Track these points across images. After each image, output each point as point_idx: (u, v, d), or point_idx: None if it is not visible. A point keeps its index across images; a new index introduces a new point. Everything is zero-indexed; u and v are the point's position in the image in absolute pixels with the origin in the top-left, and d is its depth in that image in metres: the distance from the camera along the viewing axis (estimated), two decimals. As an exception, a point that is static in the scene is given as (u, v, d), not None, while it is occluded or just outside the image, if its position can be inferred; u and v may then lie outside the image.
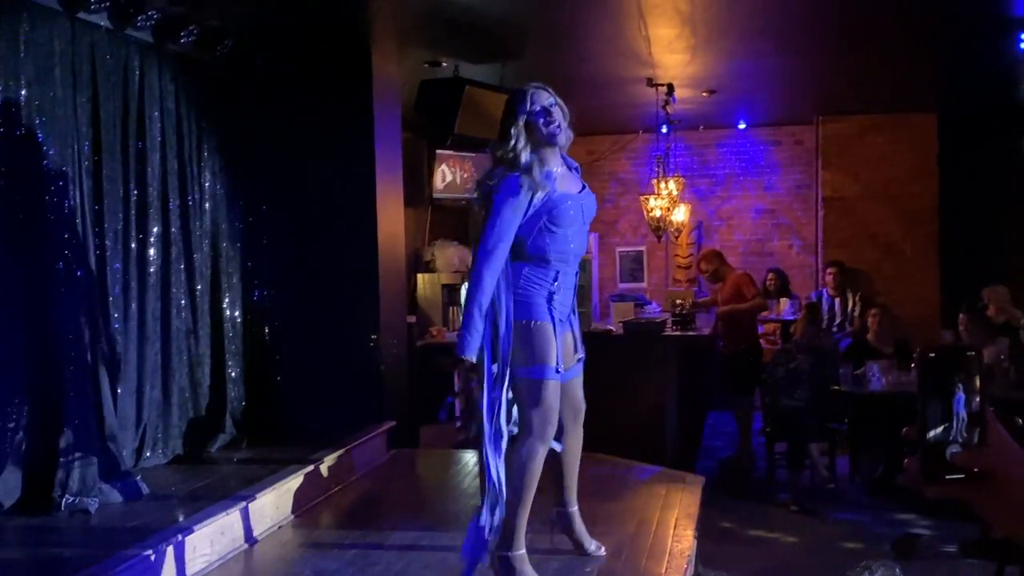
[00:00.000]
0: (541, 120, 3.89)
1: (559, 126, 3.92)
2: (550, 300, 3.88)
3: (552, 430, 3.92)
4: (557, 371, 3.87)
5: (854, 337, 9.53)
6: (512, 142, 3.87)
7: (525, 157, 3.85)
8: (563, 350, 3.94)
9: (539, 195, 3.83)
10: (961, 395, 1.02)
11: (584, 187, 4.10)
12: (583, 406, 4.19)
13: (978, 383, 1.02)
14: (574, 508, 4.29)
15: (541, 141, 3.90)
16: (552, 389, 3.87)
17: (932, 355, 1.04)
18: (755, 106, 11.00)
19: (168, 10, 5.23)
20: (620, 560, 4.25)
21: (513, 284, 3.85)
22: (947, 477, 1.01)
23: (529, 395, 3.86)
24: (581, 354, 4.15)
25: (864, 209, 11.07)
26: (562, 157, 4.03)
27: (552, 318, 3.88)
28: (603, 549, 4.31)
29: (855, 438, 7.51)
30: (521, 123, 3.88)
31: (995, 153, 10.30)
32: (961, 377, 1.02)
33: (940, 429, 1.02)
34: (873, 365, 7.34)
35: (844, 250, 10.97)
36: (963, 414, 1.02)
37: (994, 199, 10.33)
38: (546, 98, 3.95)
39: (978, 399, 1.02)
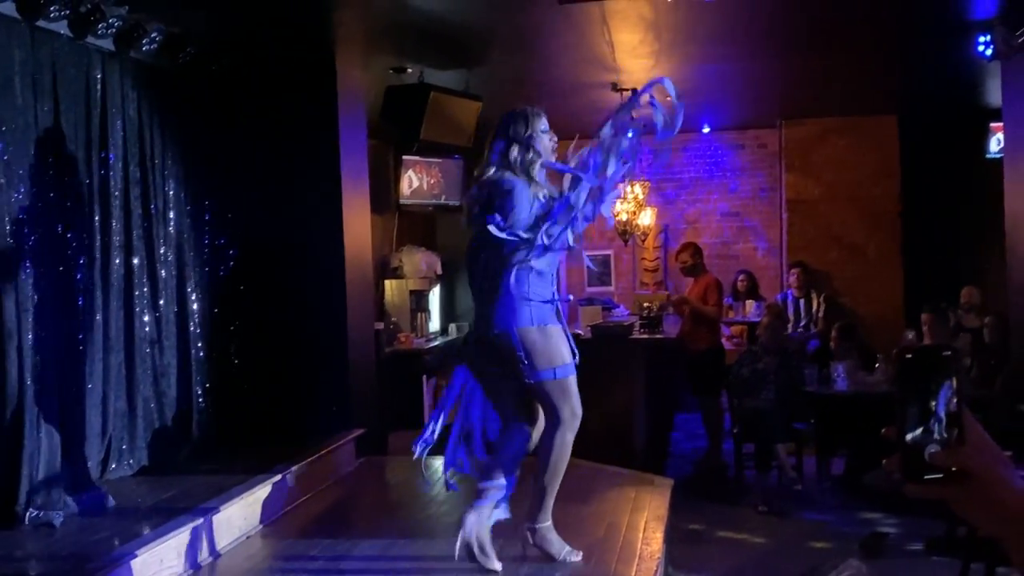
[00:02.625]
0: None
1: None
2: (554, 303, 4.14)
3: (579, 418, 4.16)
4: (574, 364, 4.14)
5: (820, 338, 9.62)
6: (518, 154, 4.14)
7: (536, 168, 4.14)
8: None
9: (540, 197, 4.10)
10: (939, 395, 1.03)
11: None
12: (579, 408, 4.28)
13: (955, 383, 1.03)
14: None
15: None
16: (573, 382, 4.14)
17: (910, 356, 1.05)
18: (719, 110, 11.07)
19: (129, 18, 5.19)
20: (590, 563, 4.26)
21: (519, 292, 4.02)
22: (926, 477, 1.02)
23: (558, 393, 4.10)
24: (575, 355, 4.31)
25: (827, 211, 11.17)
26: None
27: (557, 320, 4.15)
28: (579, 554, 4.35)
29: (821, 438, 7.56)
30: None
31: (956, 155, 10.43)
32: (939, 377, 1.03)
33: (919, 429, 1.03)
34: (838, 366, 7.41)
35: (808, 252, 11.07)
36: (941, 414, 1.03)
37: (956, 200, 10.46)
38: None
39: (956, 399, 1.03)
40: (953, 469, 1.01)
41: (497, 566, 4.11)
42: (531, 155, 4.13)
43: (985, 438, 1.04)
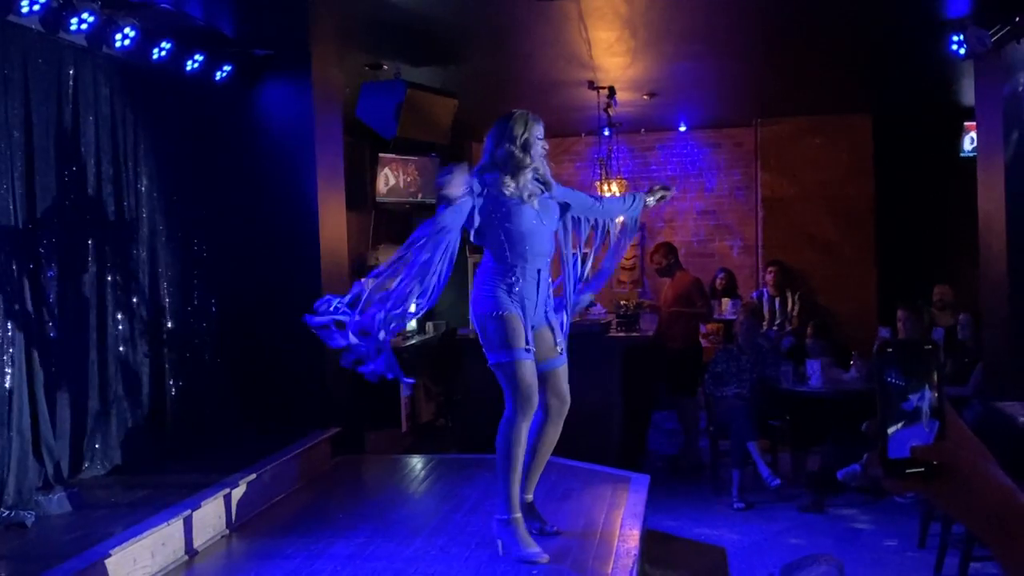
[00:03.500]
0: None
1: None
2: (510, 292, 4.21)
3: (532, 407, 4.22)
4: (527, 351, 4.19)
5: (795, 336, 9.66)
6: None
7: (526, 171, 4.30)
8: (539, 343, 4.30)
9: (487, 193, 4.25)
10: (920, 389, 1.02)
11: (545, 193, 4.41)
12: (568, 400, 4.45)
13: (936, 377, 1.03)
14: (529, 496, 4.49)
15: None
16: (526, 369, 4.19)
17: (890, 349, 1.04)
18: (695, 109, 11.11)
19: (102, 14, 5.14)
20: (566, 561, 4.25)
21: (480, 282, 4.29)
22: (907, 471, 1.02)
23: (507, 378, 4.20)
24: (561, 347, 4.44)
25: (802, 210, 11.23)
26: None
27: (519, 310, 4.21)
28: (556, 527, 4.56)
29: (796, 435, 7.60)
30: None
31: (930, 154, 10.51)
32: (920, 371, 1.03)
33: (899, 423, 1.02)
34: (813, 363, 7.44)
35: (783, 250, 11.12)
36: (923, 408, 1.02)
37: (929, 199, 10.54)
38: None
39: (937, 393, 1.02)
40: (935, 463, 1.01)
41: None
42: (523, 157, 4.24)
43: (966, 432, 1.03)
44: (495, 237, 4.26)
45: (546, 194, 4.40)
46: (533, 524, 4.47)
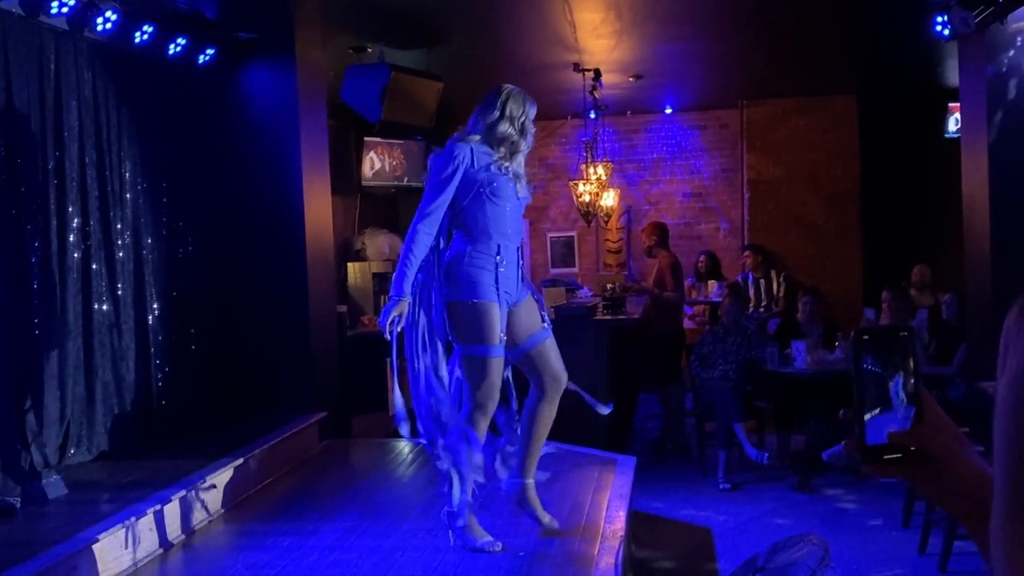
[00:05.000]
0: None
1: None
2: (496, 276, 4.04)
3: (493, 406, 4.10)
4: (500, 346, 4.05)
5: (781, 317, 9.69)
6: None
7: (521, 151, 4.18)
8: (524, 317, 4.18)
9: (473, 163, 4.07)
10: (896, 375, 1.04)
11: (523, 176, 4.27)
12: (562, 377, 4.28)
13: (912, 363, 1.04)
14: (530, 480, 4.35)
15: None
16: (495, 366, 4.05)
17: (866, 336, 1.05)
18: (681, 91, 11.10)
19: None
20: (553, 543, 4.27)
21: (458, 264, 4.05)
22: (885, 456, 1.03)
23: (473, 372, 4.04)
24: (547, 320, 4.29)
25: (787, 191, 11.25)
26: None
27: (499, 298, 4.05)
28: (556, 522, 4.38)
29: (781, 416, 7.64)
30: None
31: (915, 135, 10.54)
32: (896, 357, 1.04)
33: (876, 409, 1.04)
34: (799, 344, 7.47)
35: (769, 232, 11.15)
36: (900, 394, 1.03)
37: (914, 180, 10.57)
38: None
39: (913, 379, 1.04)
40: (911, 449, 1.02)
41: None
42: (519, 137, 4.15)
43: (942, 417, 1.05)
44: (476, 215, 4.06)
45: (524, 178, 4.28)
46: (527, 509, 4.35)
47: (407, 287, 4.01)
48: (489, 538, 4.15)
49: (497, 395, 4.11)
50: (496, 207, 4.07)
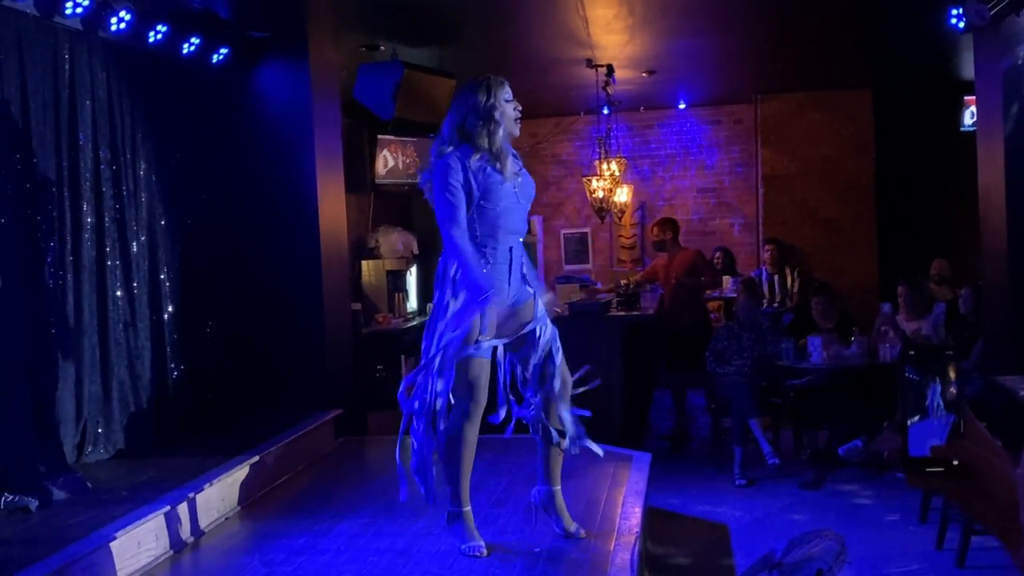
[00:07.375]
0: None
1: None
2: (483, 278, 3.91)
3: (483, 405, 4.01)
4: (486, 347, 3.94)
5: (796, 313, 9.66)
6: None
7: (499, 137, 4.00)
8: (512, 324, 4.04)
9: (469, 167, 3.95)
10: (941, 390, 1.04)
11: (521, 168, 4.14)
12: (568, 379, 4.21)
13: (953, 375, 1.04)
14: (557, 487, 4.29)
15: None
16: (477, 365, 3.95)
17: (912, 352, 1.06)
18: (694, 86, 11.07)
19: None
20: (569, 539, 4.27)
21: (449, 262, 3.97)
22: (927, 469, 1.03)
23: (457, 373, 3.94)
24: (534, 326, 4.08)
25: (802, 186, 11.22)
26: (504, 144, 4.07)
27: (484, 299, 3.89)
28: (583, 530, 4.30)
29: (797, 412, 7.61)
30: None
31: (930, 128, 10.49)
32: (939, 374, 1.04)
33: (917, 417, 1.04)
34: (814, 339, 7.45)
35: (784, 227, 11.12)
36: (942, 409, 1.04)
37: (930, 173, 10.53)
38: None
39: (956, 394, 1.04)
40: (954, 463, 1.02)
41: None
42: (492, 125, 3.96)
43: (982, 432, 1.05)
44: (471, 219, 3.96)
45: (523, 169, 4.15)
46: (553, 517, 4.28)
47: (484, 281, 3.89)
48: (477, 542, 4.09)
49: (481, 397, 4.00)
50: (485, 209, 3.95)
